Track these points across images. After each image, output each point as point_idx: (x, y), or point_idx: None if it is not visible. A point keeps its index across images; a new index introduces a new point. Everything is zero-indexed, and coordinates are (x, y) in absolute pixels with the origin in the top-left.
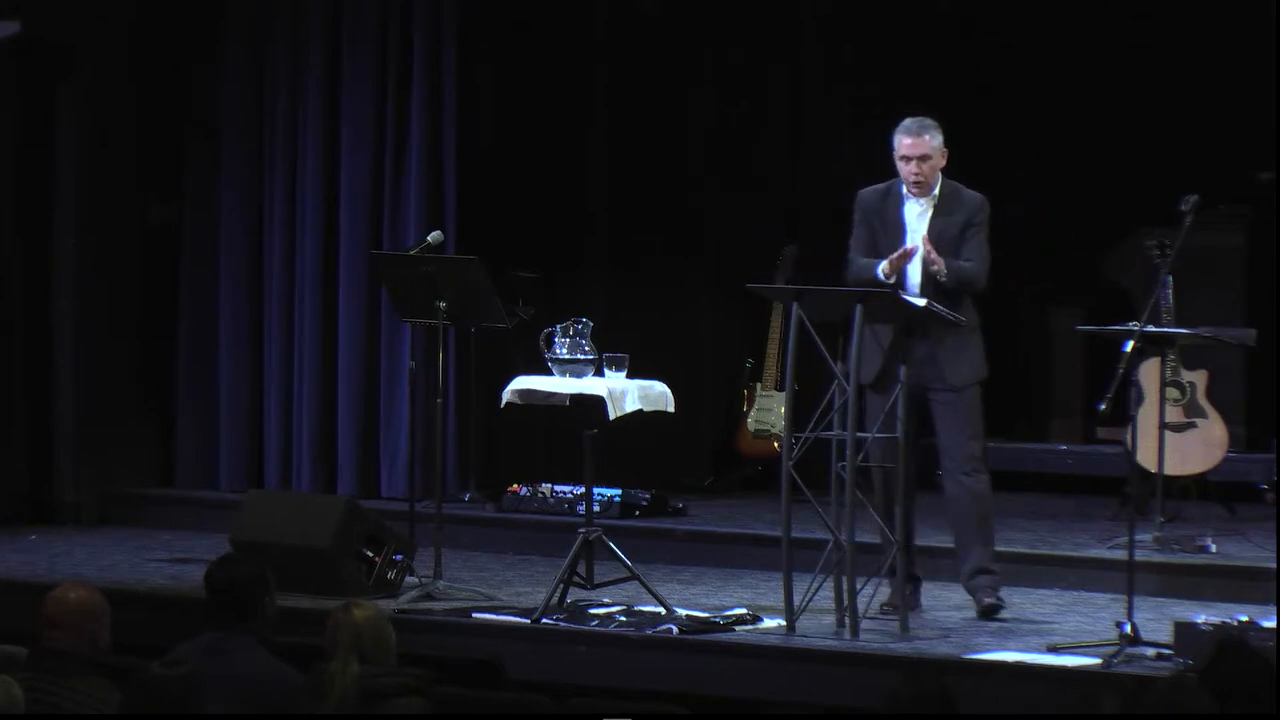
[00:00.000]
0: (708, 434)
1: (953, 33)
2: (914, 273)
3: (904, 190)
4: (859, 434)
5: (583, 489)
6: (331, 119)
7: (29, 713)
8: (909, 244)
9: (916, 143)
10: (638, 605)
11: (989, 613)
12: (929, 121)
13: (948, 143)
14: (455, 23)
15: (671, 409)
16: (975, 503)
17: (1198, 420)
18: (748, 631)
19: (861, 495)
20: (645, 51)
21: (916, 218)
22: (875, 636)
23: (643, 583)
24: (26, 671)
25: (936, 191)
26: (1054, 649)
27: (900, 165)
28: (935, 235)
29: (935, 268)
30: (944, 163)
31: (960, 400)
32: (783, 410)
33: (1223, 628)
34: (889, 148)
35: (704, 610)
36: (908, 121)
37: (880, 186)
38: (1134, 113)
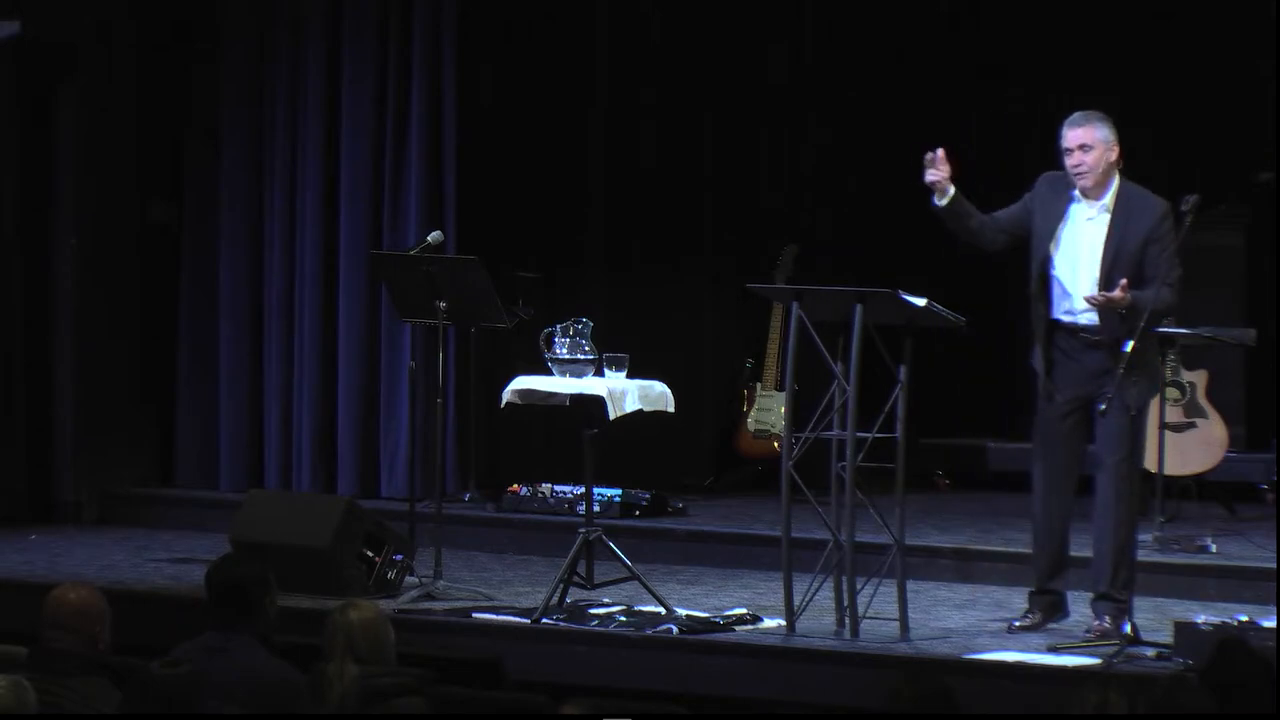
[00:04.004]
0: (708, 434)
1: (953, 33)
2: (1077, 297)
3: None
4: (859, 434)
5: (583, 489)
6: (331, 119)
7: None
8: (1065, 237)
9: (1076, 133)
10: (638, 605)
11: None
12: (1097, 114)
13: (948, 141)
14: (455, 22)
15: (671, 409)
16: (1112, 522)
17: (1198, 420)
18: (748, 631)
19: (861, 495)
20: (645, 51)
21: (1085, 220)
22: (875, 636)
23: (643, 583)
24: (26, 672)
25: (1110, 197)
26: (1054, 649)
27: (1065, 159)
28: (1114, 251)
29: (1121, 309)
30: (1114, 158)
31: (1117, 418)
32: (783, 410)
33: (1223, 628)
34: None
35: (704, 610)
36: (1074, 115)
37: (1061, 173)
38: (1134, 112)
